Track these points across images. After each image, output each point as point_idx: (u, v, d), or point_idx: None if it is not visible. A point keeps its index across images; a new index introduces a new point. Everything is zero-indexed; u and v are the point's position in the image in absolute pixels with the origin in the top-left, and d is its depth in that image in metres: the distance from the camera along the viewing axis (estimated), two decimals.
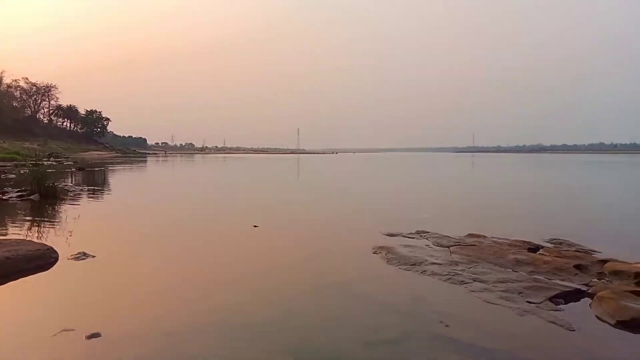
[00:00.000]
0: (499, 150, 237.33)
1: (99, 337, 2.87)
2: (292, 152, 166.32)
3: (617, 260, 4.65)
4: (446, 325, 3.16)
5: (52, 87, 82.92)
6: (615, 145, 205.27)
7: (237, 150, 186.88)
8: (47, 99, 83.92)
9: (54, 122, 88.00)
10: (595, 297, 3.64)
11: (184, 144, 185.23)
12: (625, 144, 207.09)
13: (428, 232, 6.44)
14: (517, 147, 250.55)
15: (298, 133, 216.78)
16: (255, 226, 6.98)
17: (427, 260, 4.84)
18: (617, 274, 4.31)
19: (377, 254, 5.26)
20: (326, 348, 2.82)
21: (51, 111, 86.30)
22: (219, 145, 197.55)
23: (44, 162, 20.34)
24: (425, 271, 4.50)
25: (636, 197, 13.59)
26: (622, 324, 3.18)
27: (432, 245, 5.69)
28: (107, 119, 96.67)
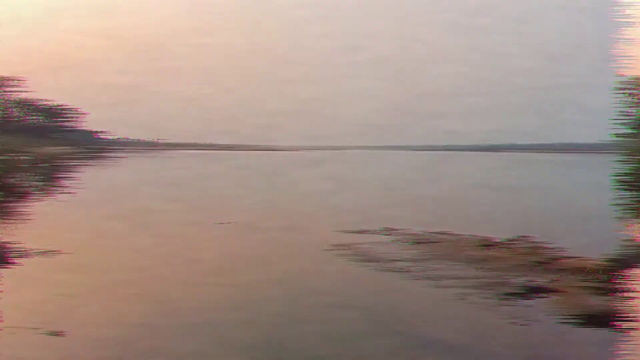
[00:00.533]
0: (473, 149, 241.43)
1: (61, 335, 2.76)
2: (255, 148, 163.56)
3: (574, 257, 4.77)
4: (407, 321, 3.18)
5: (10, 79, 79.83)
6: (584, 145, 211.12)
7: (195, 146, 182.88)
8: (3, 91, 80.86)
9: (11, 115, 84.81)
10: (552, 293, 3.71)
11: (146, 139, 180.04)
12: (590, 143, 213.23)
13: (393, 229, 6.48)
14: (491, 145, 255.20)
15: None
16: (220, 223, 6.89)
17: (389, 257, 4.87)
18: (573, 270, 4.40)
19: (341, 250, 5.25)
20: (288, 344, 2.81)
21: (8, 104, 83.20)
22: (183, 141, 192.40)
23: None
24: (387, 267, 4.52)
25: (596, 196, 14.00)
26: (577, 318, 3.23)
27: (396, 242, 5.72)
28: (69, 113, 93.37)
